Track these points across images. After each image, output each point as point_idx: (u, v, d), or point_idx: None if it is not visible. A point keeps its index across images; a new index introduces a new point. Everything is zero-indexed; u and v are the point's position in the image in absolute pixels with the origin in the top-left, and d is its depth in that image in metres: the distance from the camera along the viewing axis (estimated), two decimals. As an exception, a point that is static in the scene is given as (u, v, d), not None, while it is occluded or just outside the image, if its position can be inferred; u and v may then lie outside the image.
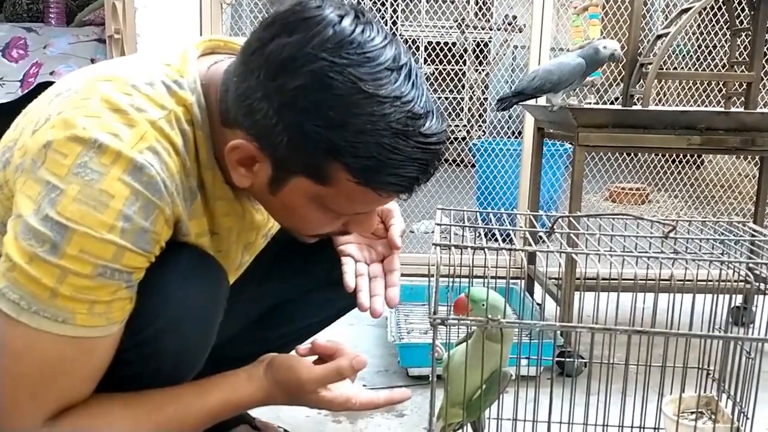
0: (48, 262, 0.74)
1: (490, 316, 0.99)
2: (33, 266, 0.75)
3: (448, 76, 3.22)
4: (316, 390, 0.94)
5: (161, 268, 0.83)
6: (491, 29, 3.79)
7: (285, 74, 0.75)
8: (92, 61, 2.87)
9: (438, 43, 3.36)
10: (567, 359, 1.66)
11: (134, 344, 0.84)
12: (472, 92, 4.12)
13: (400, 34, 3.79)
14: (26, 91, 2.80)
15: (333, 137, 0.75)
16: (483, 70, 4.09)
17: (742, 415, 1.14)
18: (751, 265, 1.06)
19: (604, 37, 1.92)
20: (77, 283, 0.75)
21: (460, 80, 3.78)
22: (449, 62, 3.26)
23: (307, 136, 0.76)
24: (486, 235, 1.13)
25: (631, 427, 1.23)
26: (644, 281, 1.09)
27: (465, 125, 4.06)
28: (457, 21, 3.87)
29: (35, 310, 0.76)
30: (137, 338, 0.83)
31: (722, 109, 1.86)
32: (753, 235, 1.17)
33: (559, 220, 1.11)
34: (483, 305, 1.03)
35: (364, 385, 1.68)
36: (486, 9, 3.63)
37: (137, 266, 0.79)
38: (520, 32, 3.51)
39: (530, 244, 1.07)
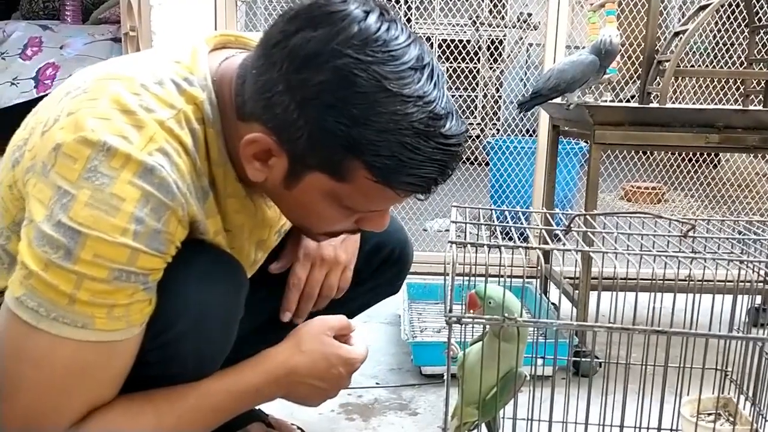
0: (63, 268, 0.74)
1: (506, 315, 0.98)
2: (49, 273, 0.75)
3: (462, 74, 3.21)
4: (332, 336, 0.98)
5: (181, 268, 0.82)
6: (506, 27, 3.77)
7: (309, 68, 0.75)
8: (107, 61, 2.89)
9: (452, 41, 3.35)
10: (583, 359, 1.64)
11: (156, 346, 0.84)
12: (486, 90, 4.10)
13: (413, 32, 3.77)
14: (42, 93, 2.81)
15: (355, 134, 0.75)
16: (497, 68, 4.07)
17: (760, 417, 1.13)
18: (771, 265, 1.04)
19: (621, 36, 1.90)
20: (94, 287, 0.75)
21: (474, 78, 3.76)
22: (463, 60, 3.24)
23: (328, 132, 0.76)
24: (501, 233, 1.12)
25: (648, 428, 1.21)
26: (662, 281, 1.08)
27: (479, 123, 4.05)
28: (471, 18, 3.85)
29: (54, 317, 0.76)
30: (159, 340, 0.84)
31: (740, 107, 1.84)
32: (773, 235, 1.15)
33: (576, 218, 1.10)
34: (490, 303, 1.02)
35: (377, 383, 1.68)
36: (500, 6, 3.61)
37: (153, 267, 0.79)
38: (535, 30, 3.49)
39: (546, 243, 1.06)
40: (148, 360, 0.84)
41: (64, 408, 0.80)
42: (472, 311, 1.04)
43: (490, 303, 1.02)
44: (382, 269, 1.23)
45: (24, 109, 0.91)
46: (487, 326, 1.08)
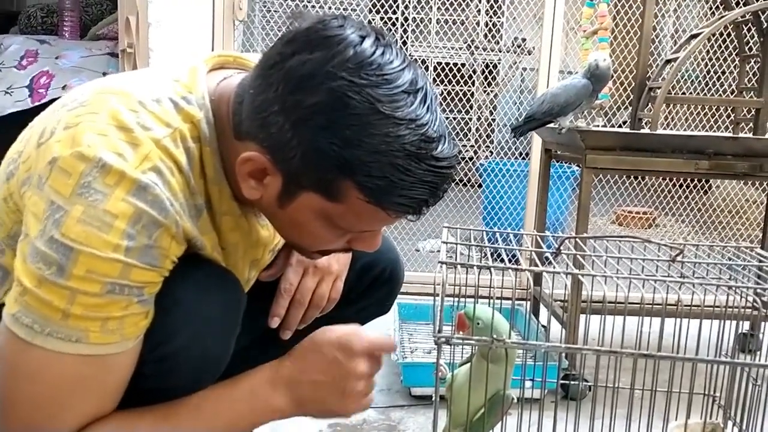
0: (56, 284, 0.75)
1: (495, 336, 0.98)
2: (43, 289, 0.75)
3: (456, 97, 3.24)
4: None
5: (180, 282, 0.83)
6: (500, 51, 3.81)
7: (304, 90, 0.76)
8: (104, 74, 2.89)
9: (447, 64, 3.38)
10: (572, 382, 1.64)
11: (154, 358, 0.84)
12: (480, 113, 4.13)
13: (409, 55, 3.82)
14: (37, 103, 2.80)
15: (347, 155, 0.76)
16: (491, 92, 4.11)
17: (748, 442, 1.13)
18: (758, 290, 1.05)
19: (613, 62, 1.92)
20: (87, 301, 0.76)
21: (468, 101, 3.80)
22: (458, 83, 3.27)
23: (321, 153, 0.77)
24: (492, 254, 1.13)
25: (636, 452, 1.21)
26: (651, 305, 1.08)
27: (473, 145, 4.07)
28: (466, 42, 3.90)
29: (48, 332, 0.76)
30: (158, 352, 0.84)
31: (730, 135, 1.86)
32: (761, 261, 1.16)
33: (566, 241, 1.11)
34: (479, 324, 1.02)
35: (366, 404, 1.67)
36: (495, 31, 3.65)
37: (147, 281, 0.79)
38: (529, 54, 3.53)
39: (536, 265, 1.07)
40: (146, 372, 0.84)
41: (61, 421, 0.80)
42: (461, 332, 1.04)
43: (478, 324, 1.02)
44: (372, 289, 1.23)
45: (19, 119, 0.91)
46: (475, 347, 1.08)
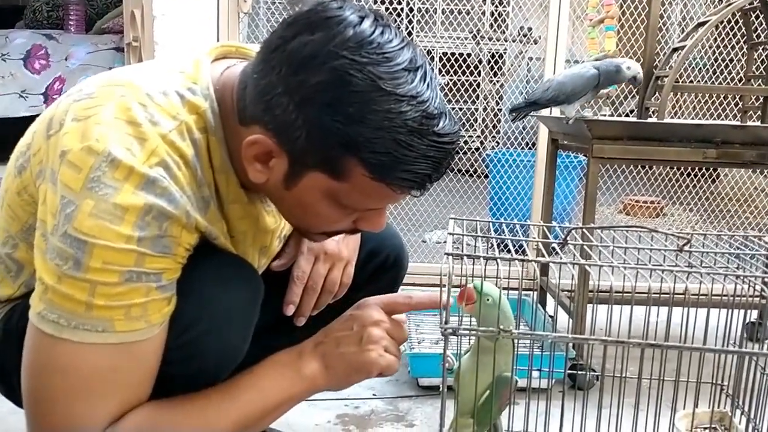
0: (75, 277, 0.77)
1: (502, 327, 0.98)
2: (63, 284, 0.77)
3: (462, 87, 3.23)
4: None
5: (202, 270, 0.85)
6: (506, 41, 3.79)
7: (306, 70, 0.77)
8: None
9: (453, 54, 3.37)
10: (579, 372, 1.64)
11: (178, 345, 0.85)
12: (487, 103, 4.12)
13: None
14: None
15: (351, 132, 0.77)
16: (498, 82, 4.10)
17: (756, 431, 1.13)
18: (766, 279, 1.05)
19: (620, 51, 1.91)
20: (108, 291, 0.77)
21: (474, 91, 3.79)
22: (464, 73, 3.26)
23: (326, 131, 0.78)
24: (499, 245, 1.13)
25: (644, 441, 1.21)
26: (658, 294, 1.08)
27: (479, 136, 4.06)
28: (472, 32, 3.88)
29: (75, 325, 0.78)
30: (181, 340, 0.85)
31: (738, 123, 1.85)
32: (769, 250, 1.16)
33: (573, 231, 1.10)
34: (488, 300, 1.01)
35: (374, 394, 1.68)
36: (501, 21, 3.63)
37: (163, 267, 0.81)
38: (535, 44, 3.52)
39: (543, 256, 1.07)
40: (169, 359, 0.86)
41: (97, 412, 0.81)
42: (465, 305, 1.03)
43: (487, 300, 1.02)
44: (377, 276, 1.24)
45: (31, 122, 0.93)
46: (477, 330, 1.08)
